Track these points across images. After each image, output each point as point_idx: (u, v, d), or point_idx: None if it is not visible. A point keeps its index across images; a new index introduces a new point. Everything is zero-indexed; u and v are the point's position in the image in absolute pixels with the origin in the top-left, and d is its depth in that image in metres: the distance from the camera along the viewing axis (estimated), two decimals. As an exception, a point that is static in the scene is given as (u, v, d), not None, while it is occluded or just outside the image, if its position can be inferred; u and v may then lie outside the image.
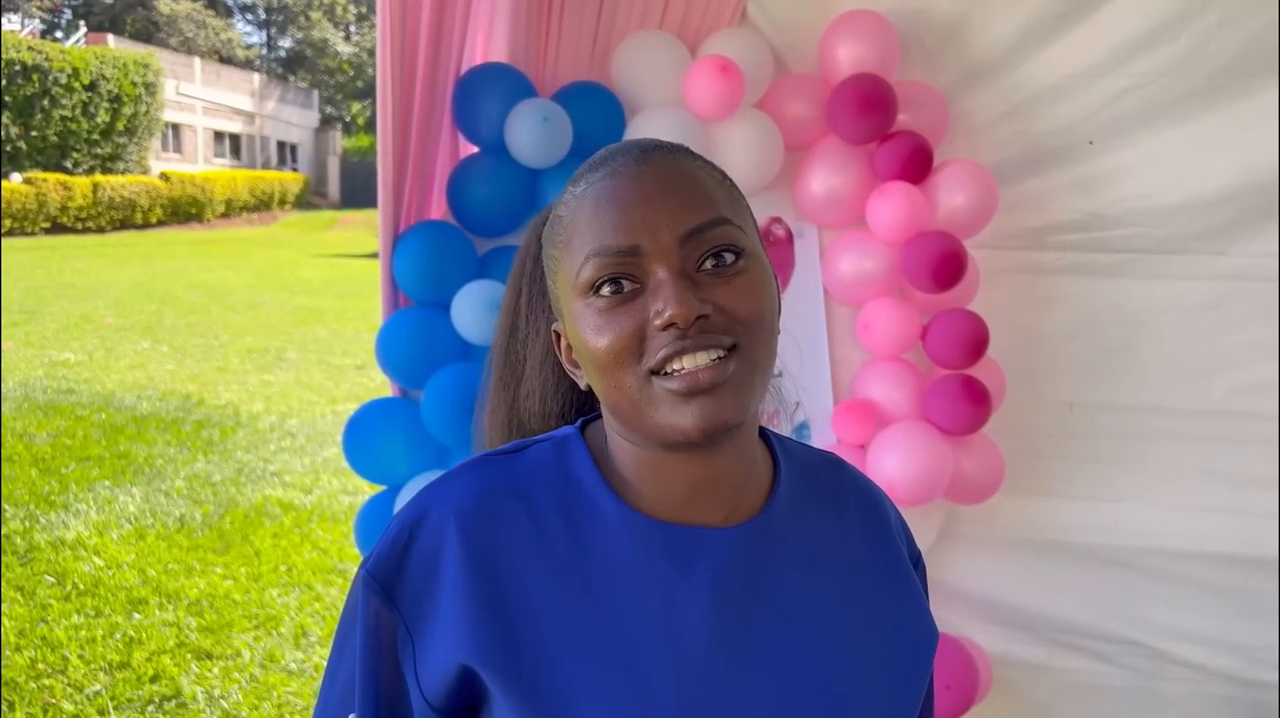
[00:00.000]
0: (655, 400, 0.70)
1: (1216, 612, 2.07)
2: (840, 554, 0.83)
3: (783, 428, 2.15)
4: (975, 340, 1.96)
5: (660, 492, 0.76)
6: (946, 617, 2.14)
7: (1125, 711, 2.15)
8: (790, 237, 2.16)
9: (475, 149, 2.05)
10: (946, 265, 1.93)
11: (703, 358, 0.69)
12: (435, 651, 0.72)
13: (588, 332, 0.71)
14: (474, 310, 1.90)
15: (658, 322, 0.69)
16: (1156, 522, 2.09)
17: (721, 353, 0.69)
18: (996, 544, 2.15)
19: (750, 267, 0.72)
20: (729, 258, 0.71)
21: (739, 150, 2.04)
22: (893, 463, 1.95)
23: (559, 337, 0.80)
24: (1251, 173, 1.96)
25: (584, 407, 0.92)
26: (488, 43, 2.04)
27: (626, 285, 0.71)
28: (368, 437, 2.00)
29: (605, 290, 0.71)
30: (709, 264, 0.71)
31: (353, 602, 0.76)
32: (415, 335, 1.97)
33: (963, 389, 1.95)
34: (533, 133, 1.92)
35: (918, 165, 1.99)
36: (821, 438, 2.11)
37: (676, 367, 0.69)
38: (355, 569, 0.78)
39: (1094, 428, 2.12)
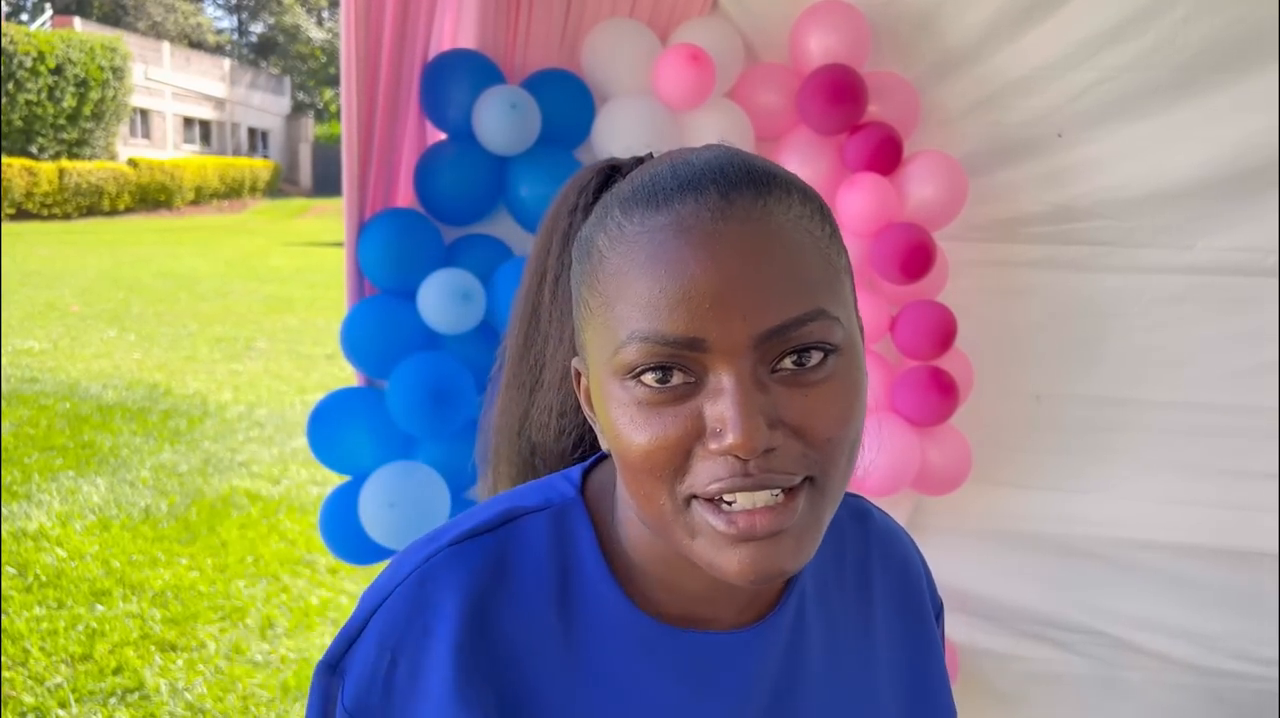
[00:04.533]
0: (694, 528, 0.57)
1: (1178, 602, 2.10)
2: (865, 637, 0.73)
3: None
4: (943, 332, 1.97)
5: (675, 590, 0.65)
6: (913, 607, 2.15)
7: (1088, 699, 2.17)
8: (760, 227, 2.16)
9: (443, 136, 2.03)
10: (915, 257, 1.94)
11: (763, 497, 0.55)
12: None
13: (620, 419, 0.57)
14: (440, 299, 1.88)
15: (713, 445, 0.55)
16: (1121, 513, 2.11)
17: (786, 489, 0.55)
18: (963, 535, 2.16)
19: (840, 370, 0.57)
20: (814, 358, 0.56)
21: (710, 140, 2.03)
22: (860, 452, 1.95)
23: (579, 376, 0.65)
24: (1219, 166, 1.98)
25: None
26: (456, 28, 2.02)
27: (678, 377, 0.55)
28: (333, 427, 1.98)
29: (649, 378, 0.55)
30: (787, 364, 0.55)
31: None
32: (380, 324, 1.95)
33: (931, 380, 1.96)
34: (501, 120, 1.90)
35: (888, 156, 1.99)
36: (790, 429, 2.11)
37: (729, 500, 0.55)
38: (315, 665, 0.67)
39: (1061, 419, 2.13)
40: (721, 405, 0.54)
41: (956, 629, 2.14)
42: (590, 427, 0.73)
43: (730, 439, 0.53)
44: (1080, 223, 2.07)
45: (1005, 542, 2.16)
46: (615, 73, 2.03)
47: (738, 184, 0.57)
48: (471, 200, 2.01)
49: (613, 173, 0.73)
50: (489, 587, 0.64)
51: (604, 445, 0.64)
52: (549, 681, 0.63)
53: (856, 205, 1.98)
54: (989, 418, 2.11)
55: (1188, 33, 1.94)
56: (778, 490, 0.55)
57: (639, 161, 0.72)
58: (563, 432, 0.76)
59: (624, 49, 2.04)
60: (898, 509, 2.11)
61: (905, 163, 2.02)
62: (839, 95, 1.97)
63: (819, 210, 0.60)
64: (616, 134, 2.00)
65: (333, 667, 0.64)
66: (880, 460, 1.95)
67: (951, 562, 2.16)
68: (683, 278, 0.54)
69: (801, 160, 2.06)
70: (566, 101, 2.00)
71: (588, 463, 0.71)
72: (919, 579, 0.79)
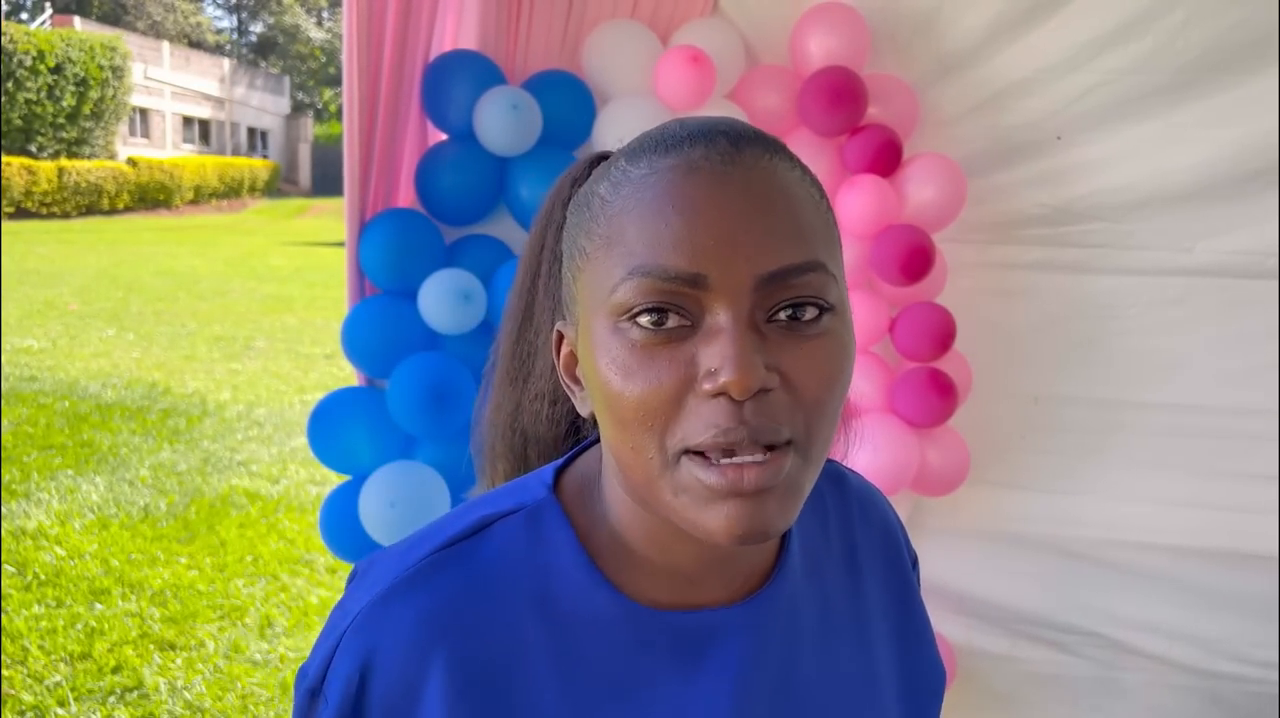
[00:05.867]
0: (680, 485, 0.55)
1: (1177, 604, 2.10)
2: (857, 602, 0.73)
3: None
4: (942, 333, 1.97)
5: (665, 572, 0.63)
6: (912, 608, 2.16)
7: (1085, 700, 2.17)
8: (760, 228, 2.16)
9: (444, 136, 2.03)
10: (915, 259, 1.94)
11: (751, 452, 0.54)
12: None
13: (611, 368, 0.55)
14: (441, 299, 1.88)
15: (707, 385, 0.53)
16: (1119, 514, 2.11)
17: (770, 447, 0.54)
18: (962, 536, 2.17)
19: (833, 328, 0.56)
20: (810, 313, 0.55)
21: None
22: (860, 455, 1.95)
23: (560, 339, 0.64)
24: (1218, 169, 1.98)
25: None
26: (457, 29, 2.02)
27: (673, 320, 0.55)
28: (333, 426, 1.98)
29: (645, 320, 0.55)
30: (783, 316, 0.55)
31: None
32: (381, 324, 1.95)
33: (929, 382, 1.97)
34: (502, 121, 1.90)
35: (887, 158, 2.00)
36: (790, 430, 2.12)
37: (720, 457, 0.54)
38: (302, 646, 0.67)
39: (1059, 421, 2.14)
40: (718, 344, 0.53)
41: (954, 630, 2.15)
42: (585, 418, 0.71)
43: (725, 377, 0.52)
44: (1079, 225, 2.08)
45: (1003, 543, 2.17)
46: (616, 74, 2.04)
47: (747, 137, 0.58)
48: (472, 201, 2.01)
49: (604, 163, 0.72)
50: (468, 597, 0.61)
51: (585, 411, 0.63)
52: (542, 685, 0.61)
53: (856, 207, 1.98)
54: (987, 419, 2.12)
55: (1187, 35, 1.95)
56: (760, 448, 0.54)
57: None
58: (555, 419, 0.74)
59: (625, 50, 2.04)
60: (896, 510, 2.12)
61: (905, 165, 2.03)
62: (839, 97, 1.97)
63: (818, 186, 0.61)
64: (617, 135, 2.00)
65: (314, 691, 0.62)
66: (878, 461, 1.95)
67: (949, 563, 2.17)
68: (688, 214, 0.54)
69: (801, 162, 2.06)
70: (567, 102, 2.01)
71: (560, 461, 0.69)
72: (897, 536, 0.79)
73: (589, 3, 2.05)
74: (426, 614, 0.60)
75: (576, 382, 0.64)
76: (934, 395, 1.96)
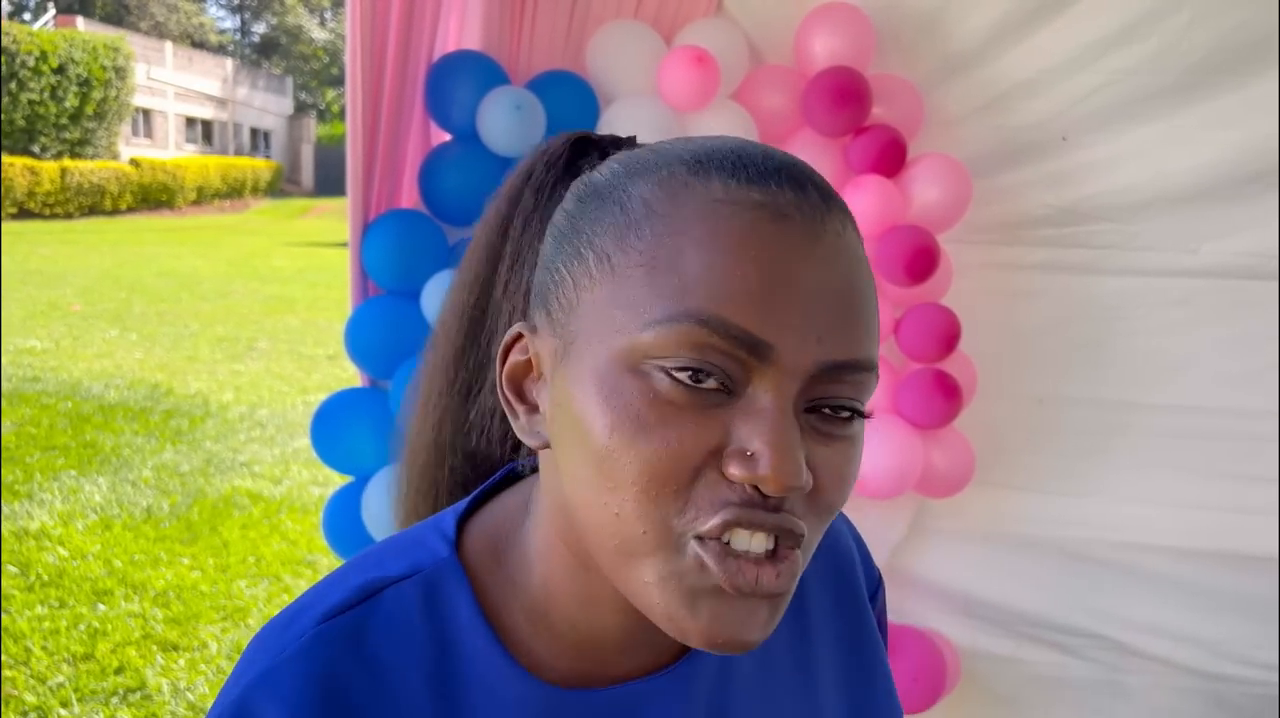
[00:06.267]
0: (676, 572, 0.48)
1: (1181, 605, 2.10)
2: (802, 648, 0.65)
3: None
4: (947, 334, 1.97)
5: (588, 644, 0.56)
6: (915, 609, 2.15)
7: (1090, 703, 2.17)
8: (764, 229, 2.16)
9: (447, 137, 2.03)
10: (919, 259, 1.94)
11: (761, 540, 0.47)
12: None
13: (620, 414, 0.47)
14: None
15: (736, 469, 0.46)
16: (1124, 516, 2.10)
17: (782, 541, 0.48)
18: (966, 538, 2.16)
19: (859, 435, 0.52)
20: (845, 413, 0.50)
21: (713, 141, 2.04)
22: (864, 456, 1.95)
23: (516, 341, 0.55)
24: (1224, 170, 1.98)
25: None
26: (461, 29, 2.02)
27: (713, 381, 0.47)
28: (336, 427, 1.98)
29: (683, 375, 0.46)
30: (824, 410, 0.49)
31: None
32: (384, 325, 1.95)
33: (934, 383, 1.96)
34: (505, 121, 1.90)
35: (892, 159, 1.99)
36: (794, 431, 2.11)
37: (736, 544, 0.47)
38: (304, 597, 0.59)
39: (1064, 423, 2.13)
40: (763, 427, 0.46)
41: (958, 632, 2.14)
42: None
43: (764, 469, 0.45)
44: (1085, 226, 2.07)
45: (1008, 545, 2.16)
46: (620, 74, 2.03)
47: (831, 193, 0.51)
48: (476, 201, 1.98)
49: (585, 145, 0.64)
50: (355, 677, 0.53)
51: (535, 442, 0.53)
52: None
53: (860, 207, 1.98)
54: (992, 421, 2.11)
55: (1193, 36, 1.94)
56: (775, 538, 0.47)
57: (616, 140, 0.65)
58: (505, 435, 0.64)
59: (629, 50, 2.04)
60: (900, 512, 2.11)
61: (909, 165, 2.03)
62: (843, 97, 1.97)
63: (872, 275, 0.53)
64: (620, 135, 2.00)
65: None
66: (883, 463, 1.95)
67: (954, 564, 2.17)
68: (774, 271, 0.46)
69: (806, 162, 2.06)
70: (571, 103, 2.00)
71: (463, 506, 0.59)
72: (851, 562, 0.69)
73: (593, 3, 2.05)
74: (306, 698, 0.52)
75: (523, 399, 0.54)
76: (939, 397, 1.95)
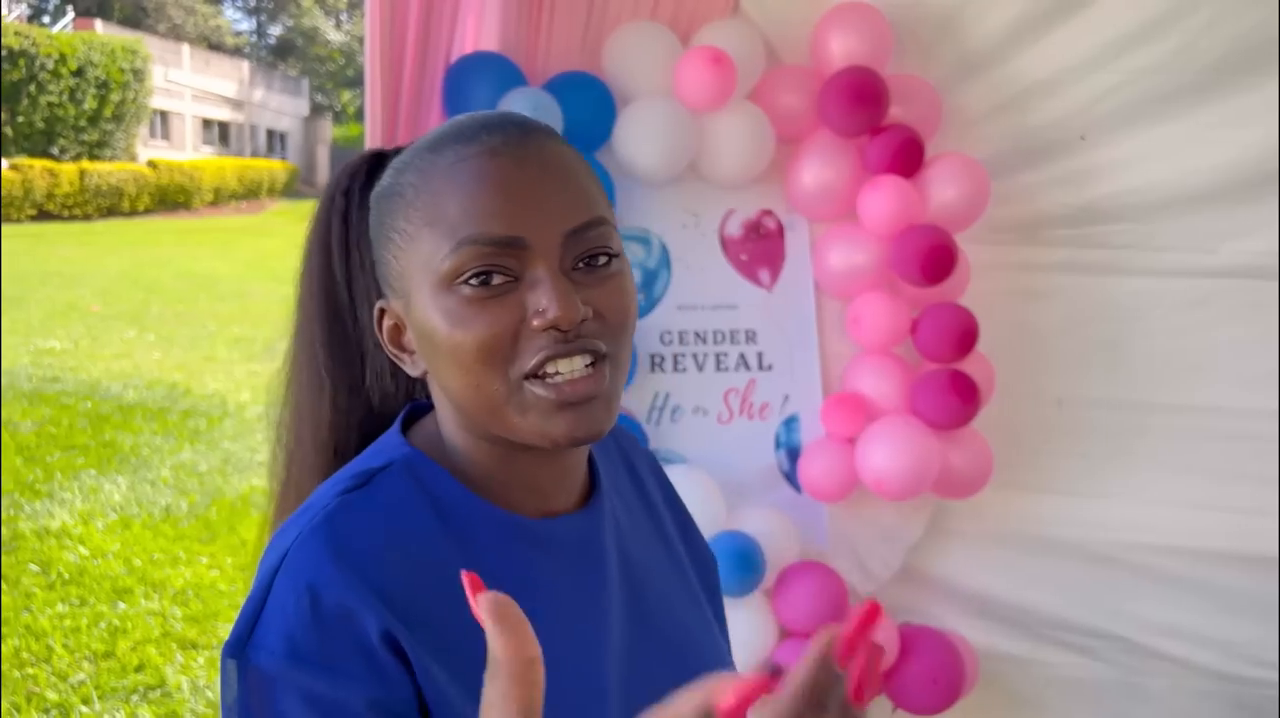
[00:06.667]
0: (525, 406, 0.66)
1: (1200, 607, 2.09)
2: (648, 506, 0.86)
3: (772, 420, 2.15)
4: (965, 335, 1.96)
5: (526, 489, 0.73)
6: (933, 610, 2.15)
7: (1108, 704, 2.16)
8: (781, 229, 2.16)
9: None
10: (937, 259, 1.93)
11: (579, 363, 0.66)
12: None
13: (448, 323, 0.66)
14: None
15: (537, 322, 0.65)
16: (1143, 517, 2.10)
17: (593, 359, 0.67)
18: (984, 539, 2.16)
19: (622, 269, 0.70)
20: (603, 259, 0.68)
21: (730, 142, 2.04)
22: (881, 457, 1.95)
23: (383, 314, 0.73)
24: (1243, 169, 1.97)
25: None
26: (478, 31, 2.03)
27: (498, 279, 0.66)
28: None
29: (474, 281, 0.65)
30: (582, 264, 0.68)
31: (261, 705, 0.62)
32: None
33: (951, 384, 1.95)
34: (523, 122, 1.90)
35: (909, 158, 1.99)
36: (810, 431, 2.11)
37: (552, 370, 0.66)
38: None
39: (1083, 423, 2.13)
40: (541, 291, 0.65)
41: (976, 633, 2.14)
42: (416, 380, 0.80)
43: (553, 313, 0.64)
44: (1103, 226, 2.07)
45: (1026, 546, 2.15)
46: (636, 75, 2.04)
47: (529, 123, 0.70)
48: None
49: (379, 160, 0.81)
50: (382, 525, 0.68)
51: (417, 372, 0.73)
52: (462, 594, 0.62)
53: (877, 207, 1.98)
54: (1010, 422, 2.11)
55: (1212, 35, 1.93)
56: (589, 358, 0.66)
57: (400, 151, 0.78)
58: (399, 391, 0.81)
59: (645, 51, 2.04)
60: (918, 513, 2.11)
61: (927, 165, 2.02)
62: (860, 97, 1.97)
63: (589, 167, 0.72)
64: (637, 136, 2.01)
65: (242, 640, 0.64)
66: (899, 463, 1.94)
67: (972, 566, 2.16)
68: (501, 188, 0.66)
69: (823, 162, 2.06)
70: (588, 104, 2.01)
71: (396, 430, 0.76)
72: (653, 455, 0.94)
73: (609, 4, 2.05)
74: (348, 544, 0.66)
75: (404, 349, 0.73)
76: (956, 397, 1.95)
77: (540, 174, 0.67)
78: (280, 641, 0.63)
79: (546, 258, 0.66)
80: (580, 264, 0.68)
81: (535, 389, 0.66)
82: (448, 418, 0.73)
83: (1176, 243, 2.04)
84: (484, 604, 0.45)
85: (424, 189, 0.68)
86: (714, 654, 0.82)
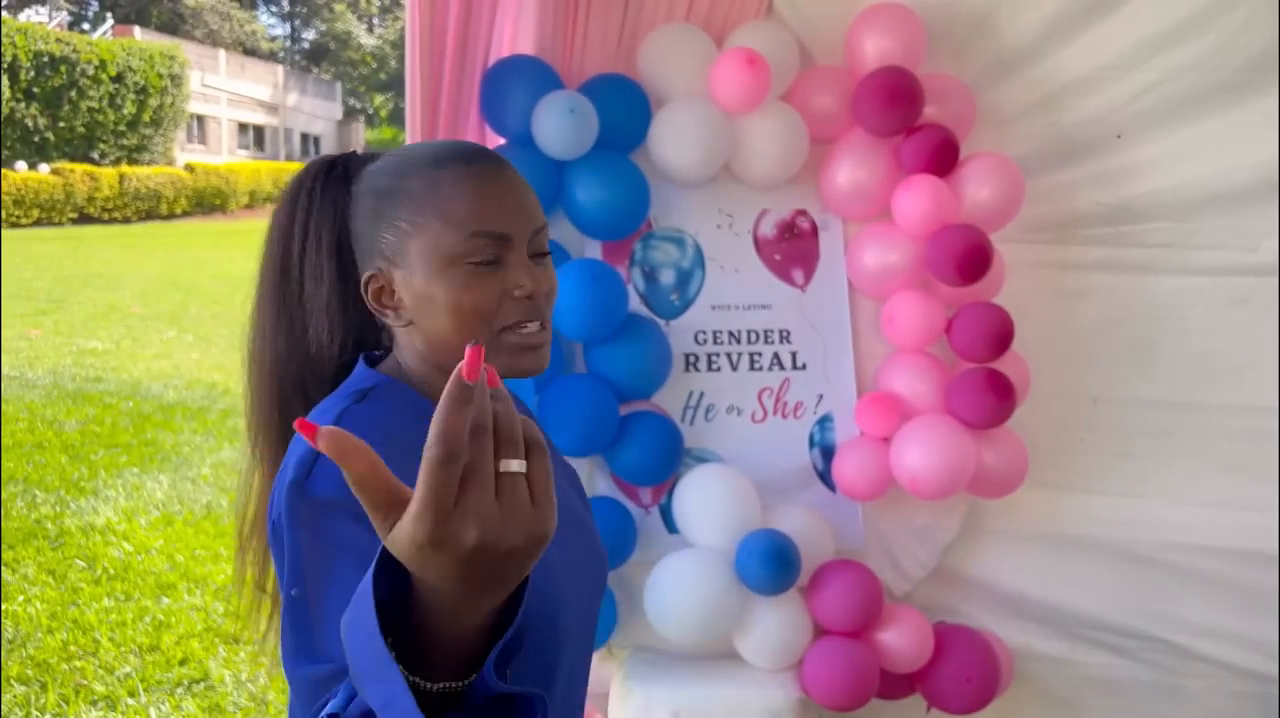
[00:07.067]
0: (498, 349, 0.93)
1: (1240, 608, 2.07)
2: (561, 461, 1.10)
3: (806, 419, 2.16)
4: (1000, 334, 1.96)
5: None
6: (969, 609, 2.15)
7: (1146, 706, 2.14)
8: (815, 229, 2.17)
9: (502, 141, 2.07)
10: (972, 259, 1.93)
11: (536, 324, 0.94)
12: None
13: (455, 290, 0.91)
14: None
15: (518, 293, 0.92)
16: (1181, 518, 2.08)
17: (541, 323, 0.95)
18: (1019, 539, 2.15)
19: (550, 261, 0.98)
20: (544, 253, 0.97)
21: (764, 143, 2.05)
22: (916, 456, 1.96)
23: (370, 279, 0.96)
24: (1281, 167, 1.95)
25: (363, 334, 1.03)
26: (515, 35, 2.05)
27: (492, 262, 0.92)
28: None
29: (478, 261, 0.92)
30: (534, 256, 0.95)
31: (323, 531, 0.81)
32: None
33: (987, 383, 1.95)
34: (559, 125, 1.93)
35: (944, 158, 1.99)
36: (844, 430, 2.12)
37: (525, 329, 0.93)
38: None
39: (1119, 423, 2.12)
40: (521, 273, 0.92)
41: (1012, 632, 2.14)
42: (352, 335, 1.01)
43: (529, 289, 0.92)
44: (1139, 224, 2.06)
45: (1062, 546, 2.15)
46: (671, 77, 2.06)
47: (499, 154, 0.97)
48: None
49: (333, 165, 1.03)
50: (393, 419, 0.90)
51: (400, 324, 0.95)
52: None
53: (912, 207, 1.98)
54: (1046, 421, 2.10)
55: (1250, 32, 1.92)
56: (539, 323, 0.94)
57: (352, 156, 1.04)
58: (337, 344, 1.01)
59: (680, 53, 2.06)
60: (953, 512, 2.11)
61: (961, 164, 2.03)
62: (895, 97, 1.97)
63: None
64: (672, 137, 2.03)
65: (299, 481, 0.82)
66: (935, 462, 1.95)
67: (1007, 565, 2.16)
68: (498, 198, 0.93)
69: (857, 162, 2.07)
70: (623, 106, 2.03)
71: (361, 367, 0.97)
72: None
73: (644, 6, 2.07)
74: (371, 429, 0.78)
75: (385, 306, 0.96)
76: (992, 396, 1.95)
77: (517, 190, 0.95)
78: (333, 479, 0.79)
79: (520, 250, 0.93)
80: (533, 255, 0.95)
81: (509, 338, 0.93)
82: (416, 357, 0.96)
83: (1215, 241, 2.02)
84: (323, 439, 0.54)
85: (433, 192, 0.93)
86: (595, 534, 1.08)
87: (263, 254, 1.05)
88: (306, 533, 0.82)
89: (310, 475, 0.83)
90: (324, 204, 1.01)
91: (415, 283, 0.92)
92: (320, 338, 1.01)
